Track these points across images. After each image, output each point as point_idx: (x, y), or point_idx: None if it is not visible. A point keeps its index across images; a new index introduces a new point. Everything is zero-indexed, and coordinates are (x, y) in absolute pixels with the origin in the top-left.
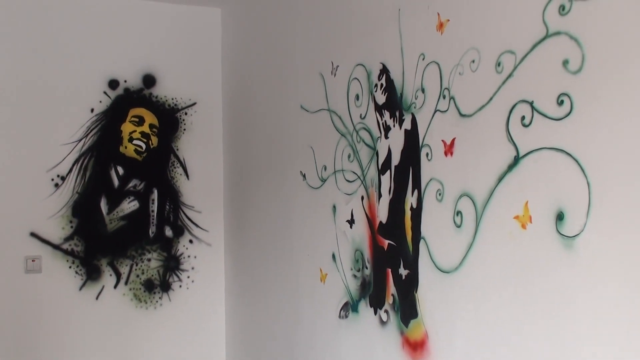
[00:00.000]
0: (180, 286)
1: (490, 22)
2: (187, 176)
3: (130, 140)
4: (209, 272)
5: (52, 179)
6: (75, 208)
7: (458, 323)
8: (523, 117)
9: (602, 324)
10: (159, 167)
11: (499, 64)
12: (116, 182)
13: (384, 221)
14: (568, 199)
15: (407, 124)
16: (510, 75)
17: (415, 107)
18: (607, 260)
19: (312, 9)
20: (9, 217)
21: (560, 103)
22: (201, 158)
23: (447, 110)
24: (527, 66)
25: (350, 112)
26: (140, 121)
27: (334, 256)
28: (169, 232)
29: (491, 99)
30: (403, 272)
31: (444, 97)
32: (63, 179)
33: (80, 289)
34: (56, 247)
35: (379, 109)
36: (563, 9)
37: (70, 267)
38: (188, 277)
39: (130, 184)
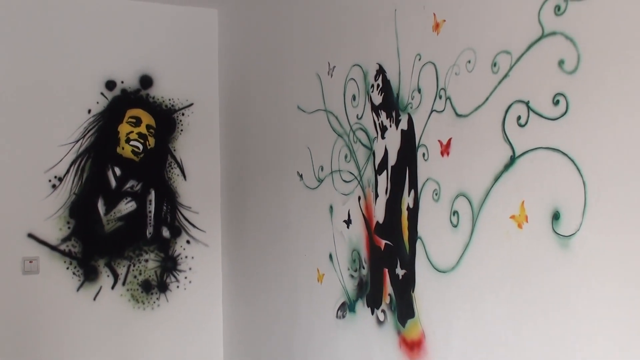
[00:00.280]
0: (178, 287)
1: (486, 23)
2: (184, 177)
3: (128, 141)
4: (207, 272)
5: (50, 180)
6: (73, 209)
7: (455, 323)
8: (519, 117)
9: (599, 323)
10: (156, 167)
11: (494, 64)
12: (113, 183)
13: (380, 221)
14: (564, 198)
15: (403, 124)
16: (506, 76)
17: (411, 108)
18: (603, 259)
19: (308, 10)
20: (6, 218)
21: (556, 103)
22: (198, 159)
23: (443, 111)
24: (523, 66)
25: (347, 112)
26: (138, 122)
27: (331, 256)
28: (166, 232)
29: (487, 99)
30: (400, 272)
31: (440, 97)
32: (60, 180)
33: (78, 289)
34: (53, 248)
35: (375, 109)
36: (559, 9)
37: (67, 268)
38: (185, 277)
39: (128, 185)
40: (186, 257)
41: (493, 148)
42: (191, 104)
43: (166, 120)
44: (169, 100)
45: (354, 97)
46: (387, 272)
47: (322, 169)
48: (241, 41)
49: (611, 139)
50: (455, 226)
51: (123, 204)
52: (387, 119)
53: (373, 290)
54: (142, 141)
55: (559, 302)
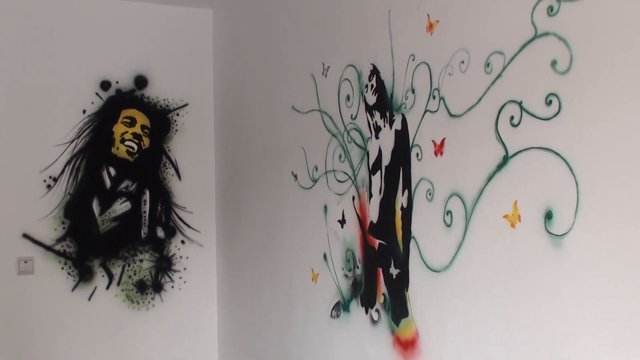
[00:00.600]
0: (173, 287)
1: (479, 23)
2: (179, 177)
3: (122, 141)
4: (201, 272)
5: (45, 180)
6: (68, 209)
7: (448, 321)
8: (512, 117)
9: (590, 321)
10: (150, 168)
11: (488, 65)
12: (108, 183)
13: (374, 221)
14: (556, 198)
15: (397, 124)
16: (499, 76)
17: (405, 108)
18: (595, 258)
19: (303, 11)
20: (1, 218)
21: (549, 103)
22: (193, 159)
23: (437, 111)
24: (516, 67)
25: (341, 112)
26: (132, 122)
27: (325, 256)
28: (160, 232)
29: (480, 99)
30: (394, 271)
31: (434, 97)
32: (55, 180)
33: (73, 290)
34: (48, 248)
35: (369, 109)
36: (551, 9)
37: (62, 268)
38: (180, 277)
39: (122, 185)
40: (181, 257)
41: (486, 148)
42: (186, 104)
43: (161, 121)
44: (164, 100)
45: (348, 98)
46: (381, 272)
47: (316, 169)
48: (236, 41)
49: (603, 139)
50: (448, 226)
51: (118, 204)
52: (381, 119)
53: (367, 289)
54: (136, 141)
55: (551, 300)
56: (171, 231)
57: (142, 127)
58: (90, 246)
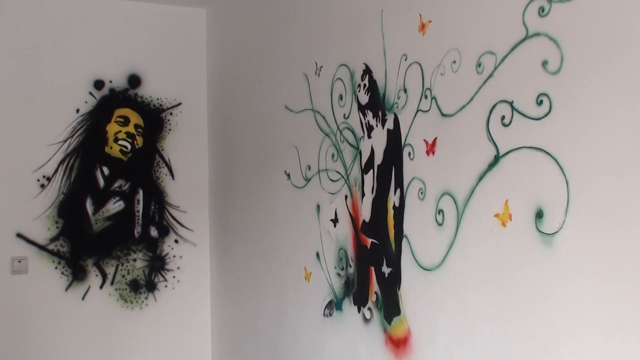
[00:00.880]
0: (166, 286)
1: (471, 23)
2: (172, 176)
3: (116, 140)
4: (195, 271)
5: (38, 180)
6: (61, 208)
7: (440, 320)
8: (503, 117)
9: (581, 319)
10: (144, 167)
11: (479, 65)
12: (101, 182)
13: (367, 220)
14: (547, 197)
15: (389, 124)
16: (490, 76)
17: (397, 107)
18: (585, 256)
19: (296, 10)
20: None
21: (540, 103)
22: (186, 158)
23: (428, 110)
24: (507, 67)
25: (334, 112)
26: (126, 121)
27: (318, 255)
28: (154, 232)
29: (472, 99)
30: (386, 270)
31: (426, 97)
32: (49, 179)
33: (67, 289)
34: (42, 247)
35: (362, 108)
36: (543, 10)
37: (56, 267)
38: (173, 277)
39: (116, 184)
40: (174, 256)
41: (478, 147)
42: (179, 104)
43: (154, 120)
44: (157, 99)
45: (340, 97)
46: (373, 271)
47: (309, 168)
48: (229, 41)
49: (594, 139)
50: (440, 225)
51: (111, 203)
52: (373, 118)
53: (359, 288)
54: (130, 140)
55: (541, 298)
56: (164, 230)
57: (136, 126)
58: (83, 246)
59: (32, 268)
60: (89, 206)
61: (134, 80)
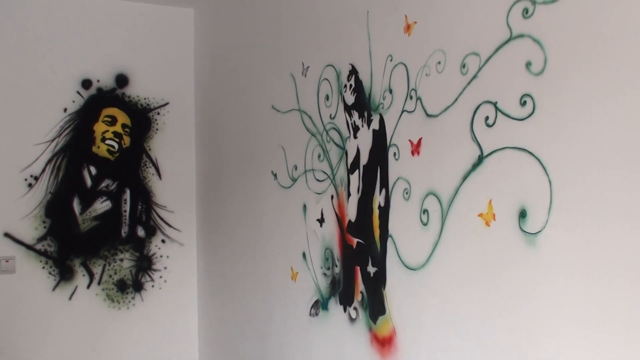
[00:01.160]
0: (153, 286)
1: (456, 25)
2: (160, 176)
3: (103, 140)
4: (182, 271)
5: (26, 179)
6: (49, 208)
7: (425, 319)
8: (487, 118)
9: (563, 317)
10: (131, 167)
11: (464, 66)
12: (89, 182)
13: (352, 220)
14: (530, 196)
15: (375, 124)
16: (474, 77)
17: (383, 108)
18: (567, 255)
19: (283, 11)
20: None
21: (523, 104)
22: (173, 158)
23: (414, 111)
24: (491, 68)
25: (320, 112)
26: (113, 121)
27: (304, 255)
28: (141, 232)
29: (456, 99)
30: (371, 269)
31: (411, 97)
32: (36, 179)
33: (54, 289)
34: (30, 247)
35: (348, 109)
36: (526, 12)
37: (43, 267)
38: (160, 277)
39: (103, 184)
40: (161, 256)
41: (462, 148)
42: (167, 103)
43: (141, 120)
44: (145, 99)
45: (327, 97)
46: (358, 270)
47: (296, 169)
48: (217, 41)
49: (576, 139)
50: (425, 224)
51: (98, 203)
52: (359, 118)
53: (345, 288)
54: (117, 140)
55: (525, 297)
56: (152, 230)
57: (123, 125)
58: (71, 245)
59: (20, 268)
60: (76, 206)
61: (122, 80)
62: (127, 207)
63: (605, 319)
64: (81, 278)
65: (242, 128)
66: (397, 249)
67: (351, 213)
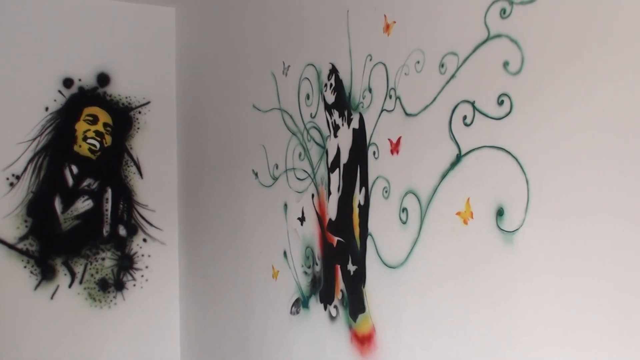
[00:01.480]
0: (135, 285)
1: (434, 25)
2: (141, 175)
3: (85, 139)
4: (163, 270)
5: (7, 178)
6: (30, 207)
7: (404, 316)
8: (465, 117)
9: (540, 315)
10: (112, 166)
11: (442, 65)
12: (70, 181)
13: (333, 218)
14: (507, 195)
15: (355, 123)
16: (453, 76)
17: (362, 107)
18: (544, 253)
19: (264, 10)
20: None
21: (501, 103)
22: (155, 157)
23: (393, 110)
24: (469, 67)
25: (301, 111)
26: (95, 120)
27: (285, 253)
28: (122, 231)
29: (435, 99)
30: (351, 267)
31: (390, 97)
32: (18, 178)
33: (35, 288)
34: (11, 246)
35: (328, 108)
36: (504, 12)
37: (25, 266)
38: (142, 276)
39: (85, 183)
40: (143, 255)
41: (440, 146)
42: (148, 102)
43: (123, 119)
44: (126, 98)
45: (307, 96)
46: (339, 268)
47: (276, 167)
48: (198, 40)
49: (553, 138)
50: (404, 223)
51: (80, 202)
52: (339, 117)
53: (326, 286)
54: (99, 139)
55: (502, 294)
56: (133, 229)
57: (105, 124)
58: (52, 245)
59: (1, 267)
60: (58, 205)
61: (103, 79)
62: (108, 206)
63: (582, 316)
64: (63, 277)
65: (223, 127)
66: (376, 247)
67: (332, 212)
